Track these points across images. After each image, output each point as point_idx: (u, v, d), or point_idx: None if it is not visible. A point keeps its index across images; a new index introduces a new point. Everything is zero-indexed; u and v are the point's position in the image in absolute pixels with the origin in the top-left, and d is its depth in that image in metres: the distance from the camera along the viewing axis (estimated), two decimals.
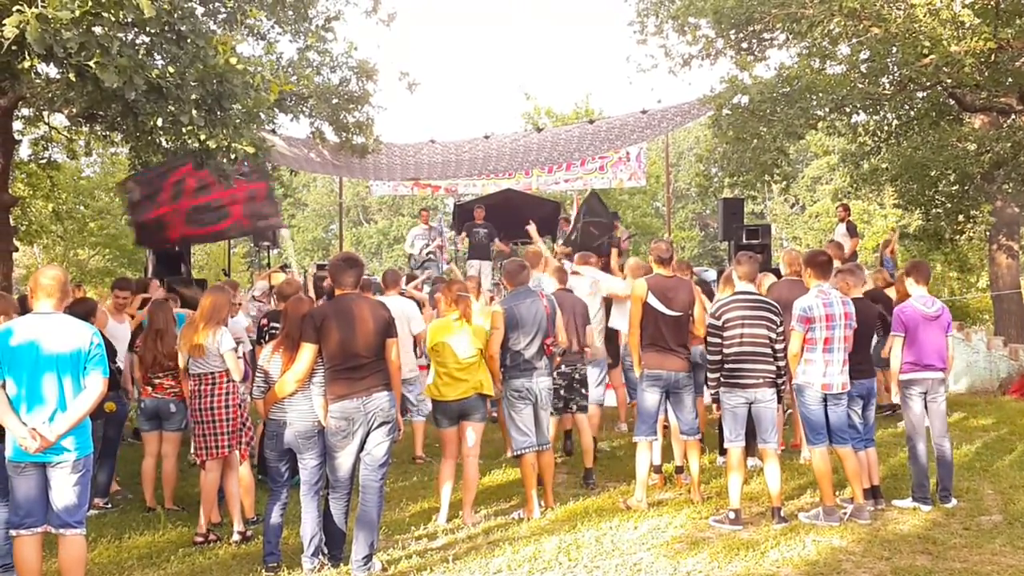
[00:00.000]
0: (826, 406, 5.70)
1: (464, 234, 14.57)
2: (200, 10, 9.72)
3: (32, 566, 4.12)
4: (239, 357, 5.80)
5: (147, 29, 7.17)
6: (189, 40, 7.38)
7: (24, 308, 4.99)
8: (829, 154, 28.80)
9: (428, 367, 6.35)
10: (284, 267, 15.62)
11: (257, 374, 5.09)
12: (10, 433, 4.05)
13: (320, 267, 13.55)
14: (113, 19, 6.38)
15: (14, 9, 5.96)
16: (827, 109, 13.01)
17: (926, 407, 6.02)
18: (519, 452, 5.97)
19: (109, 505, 6.49)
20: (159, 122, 7.66)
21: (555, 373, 6.37)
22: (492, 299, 9.02)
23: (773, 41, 14.74)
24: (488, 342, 5.86)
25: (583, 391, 6.93)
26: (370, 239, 42.95)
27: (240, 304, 7.60)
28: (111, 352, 5.89)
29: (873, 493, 5.95)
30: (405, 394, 7.47)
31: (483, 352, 5.83)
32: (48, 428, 4.03)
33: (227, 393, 5.66)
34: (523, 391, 5.93)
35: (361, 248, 41.07)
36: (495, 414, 8.09)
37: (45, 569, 4.37)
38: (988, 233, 15.52)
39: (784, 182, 14.88)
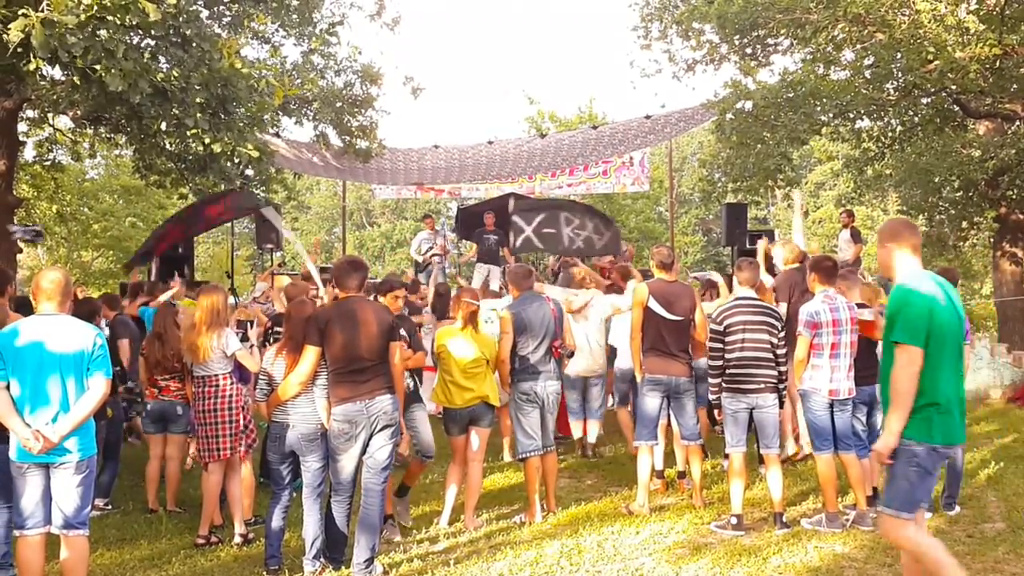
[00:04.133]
0: (832, 412, 5.69)
1: (474, 241, 14.52)
2: (205, 14, 9.76)
3: (34, 567, 4.12)
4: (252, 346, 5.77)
5: (152, 33, 7.19)
6: (194, 44, 7.40)
7: (27, 310, 4.93)
8: (833, 159, 28.76)
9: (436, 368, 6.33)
10: (281, 265, 15.57)
11: (260, 377, 5.10)
12: (14, 434, 4.06)
13: (323, 270, 13.56)
14: (118, 23, 6.40)
15: (19, 13, 5.96)
16: (831, 114, 13.01)
17: None
18: (524, 456, 5.97)
19: (110, 506, 6.50)
20: (164, 125, 7.67)
21: None
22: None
23: (777, 46, 14.77)
24: (499, 347, 5.87)
25: None
26: (373, 242, 42.90)
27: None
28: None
29: (876, 499, 5.92)
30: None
31: (490, 359, 5.83)
32: (51, 429, 4.03)
33: (230, 395, 5.66)
34: (530, 394, 5.94)
35: (364, 251, 41.03)
36: None
37: (47, 570, 4.37)
38: (992, 240, 15.49)
39: (788, 187, 14.87)
